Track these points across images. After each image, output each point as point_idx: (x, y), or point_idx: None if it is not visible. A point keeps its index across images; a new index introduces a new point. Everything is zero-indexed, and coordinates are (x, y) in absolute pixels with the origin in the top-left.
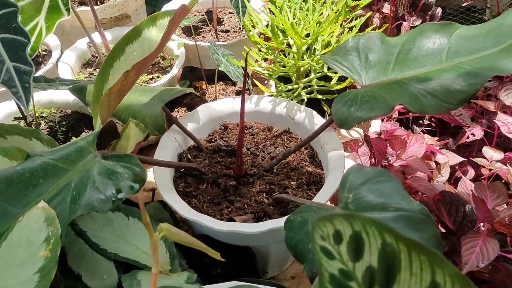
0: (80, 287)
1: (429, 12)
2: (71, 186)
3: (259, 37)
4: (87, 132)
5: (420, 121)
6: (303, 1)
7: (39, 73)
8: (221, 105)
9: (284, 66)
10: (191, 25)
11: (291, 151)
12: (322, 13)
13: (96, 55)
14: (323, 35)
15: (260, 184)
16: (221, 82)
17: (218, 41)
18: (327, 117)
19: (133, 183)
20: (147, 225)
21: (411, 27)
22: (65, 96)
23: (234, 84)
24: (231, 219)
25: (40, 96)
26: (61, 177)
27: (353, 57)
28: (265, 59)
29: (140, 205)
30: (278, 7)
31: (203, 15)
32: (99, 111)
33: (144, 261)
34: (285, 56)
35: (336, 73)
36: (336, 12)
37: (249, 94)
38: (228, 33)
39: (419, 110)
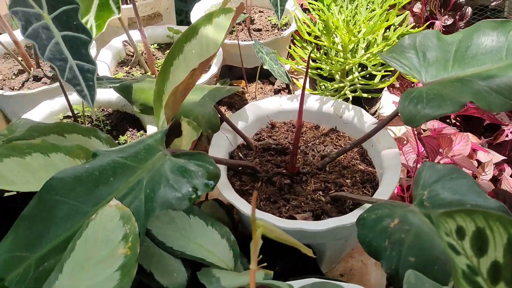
0: (153, 285)
1: (459, 12)
2: (142, 184)
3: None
4: (131, 130)
5: (448, 120)
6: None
7: None
8: (268, 104)
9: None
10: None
11: (346, 149)
12: (372, 11)
13: (131, 54)
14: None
15: (315, 182)
16: (258, 81)
17: (252, 40)
18: None
19: (207, 180)
20: (253, 222)
21: (443, 26)
22: (107, 95)
23: (271, 83)
24: (291, 217)
25: None
26: (131, 175)
27: (411, 54)
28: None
29: (252, 203)
30: (326, 5)
31: (245, 13)
32: (164, 110)
33: (209, 259)
34: (325, 55)
35: (379, 71)
36: (385, 11)
37: (289, 92)
38: (260, 32)
39: (486, 107)
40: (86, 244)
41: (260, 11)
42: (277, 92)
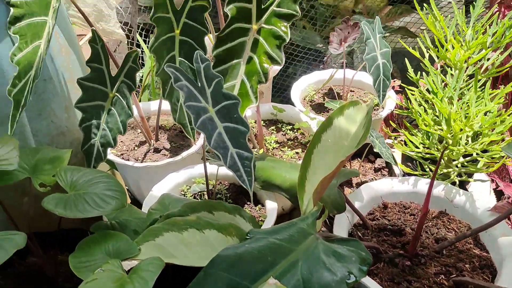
0: None
1: None
2: (298, 265)
3: (390, 118)
4: (249, 204)
5: None
6: (461, 94)
7: (195, 148)
8: (381, 185)
9: (427, 148)
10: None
11: (466, 235)
12: (485, 105)
13: None
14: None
15: (435, 265)
16: (358, 159)
17: None
18: None
19: (360, 265)
20: None
21: None
22: (224, 169)
23: (371, 161)
24: None
25: (202, 168)
26: (286, 256)
27: None
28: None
29: None
30: (439, 98)
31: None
32: (313, 196)
33: None
34: (428, 138)
35: (482, 157)
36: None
37: (389, 171)
38: None
39: None
40: None
41: (351, 90)
42: (377, 170)
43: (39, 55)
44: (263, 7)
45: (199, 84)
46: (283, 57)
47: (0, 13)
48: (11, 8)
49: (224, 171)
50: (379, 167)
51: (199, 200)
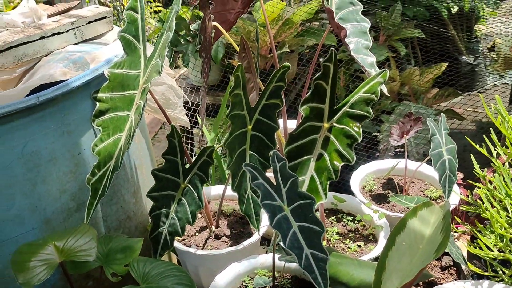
0: None
1: None
2: None
3: (456, 213)
4: None
5: None
6: None
7: (256, 237)
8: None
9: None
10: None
11: None
12: None
13: None
14: None
15: None
16: None
17: None
18: None
19: None
20: None
21: None
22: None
23: (437, 258)
24: None
25: (264, 259)
26: None
27: None
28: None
29: None
30: None
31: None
32: None
33: None
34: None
35: None
36: None
37: (457, 271)
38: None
39: None
40: None
41: (412, 181)
42: (444, 269)
43: (120, 147)
44: (335, 107)
45: (275, 182)
46: (354, 156)
47: (86, 107)
48: (97, 103)
49: (282, 263)
50: (446, 265)
51: None
